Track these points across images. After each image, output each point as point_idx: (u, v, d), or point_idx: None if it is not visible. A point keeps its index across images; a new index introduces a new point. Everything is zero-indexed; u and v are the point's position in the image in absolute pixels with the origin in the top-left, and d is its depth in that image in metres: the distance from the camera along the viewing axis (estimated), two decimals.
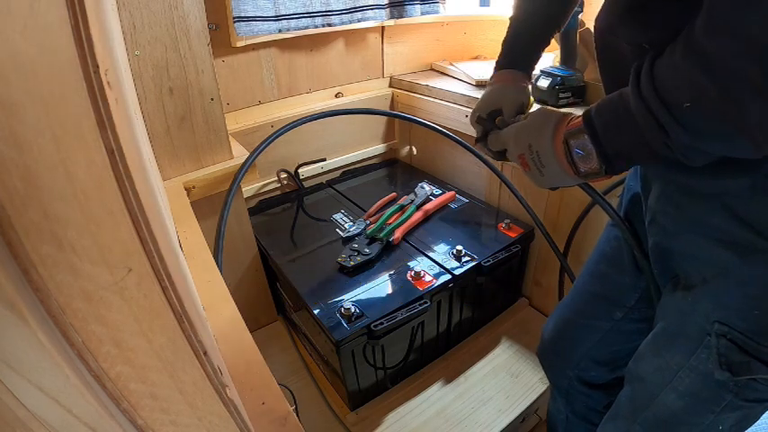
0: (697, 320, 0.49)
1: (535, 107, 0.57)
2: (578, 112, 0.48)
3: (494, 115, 0.65)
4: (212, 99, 0.87)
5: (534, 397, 0.98)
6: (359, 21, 1.21)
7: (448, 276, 0.94)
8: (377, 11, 1.22)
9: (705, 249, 0.47)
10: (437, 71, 1.45)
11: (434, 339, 1.04)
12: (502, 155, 0.61)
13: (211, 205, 0.92)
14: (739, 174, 0.41)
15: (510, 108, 0.64)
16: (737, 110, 0.33)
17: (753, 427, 0.51)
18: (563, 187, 0.53)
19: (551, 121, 0.49)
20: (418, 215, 1.12)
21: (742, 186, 0.42)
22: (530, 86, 0.67)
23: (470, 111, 1.13)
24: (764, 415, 0.51)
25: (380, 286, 0.92)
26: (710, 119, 0.35)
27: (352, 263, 0.95)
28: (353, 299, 0.88)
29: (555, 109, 0.51)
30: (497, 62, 0.69)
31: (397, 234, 1.04)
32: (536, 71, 1.04)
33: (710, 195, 0.45)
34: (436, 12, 1.31)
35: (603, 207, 0.65)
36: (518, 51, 0.68)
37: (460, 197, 1.24)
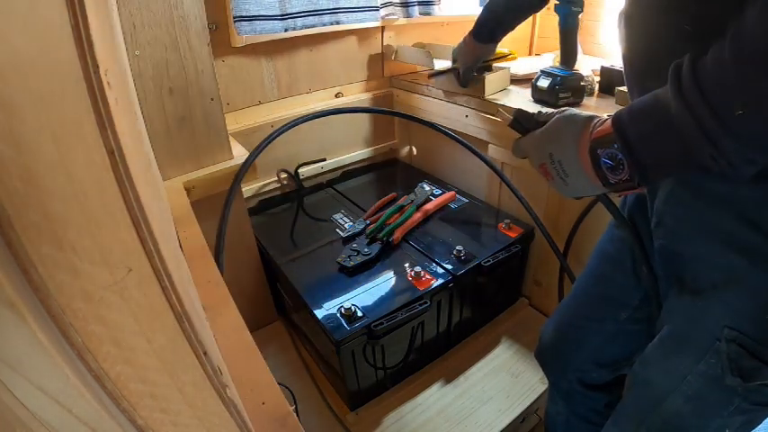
0: (706, 325, 0.48)
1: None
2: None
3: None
4: (212, 99, 0.87)
5: (534, 397, 0.98)
6: (360, 21, 1.21)
7: (448, 276, 0.94)
8: (377, 11, 1.22)
9: (716, 254, 0.46)
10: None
11: (434, 339, 1.04)
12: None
13: (211, 205, 0.92)
14: (758, 184, 0.40)
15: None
16: None
17: (756, 430, 0.51)
18: (589, 196, 0.49)
19: (574, 128, 0.45)
20: (418, 215, 1.12)
21: (757, 196, 0.40)
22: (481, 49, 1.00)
23: (470, 110, 1.13)
24: None
25: (380, 286, 0.92)
26: None
27: (352, 263, 0.95)
28: (353, 299, 0.88)
29: (578, 111, 0.47)
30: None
31: (397, 234, 1.04)
32: (536, 71, 1.04)
33: (722, 199, 0.44)
34: (434, 12, 1.31)
35: (608, 208, 0.62)
36: (485, 28, 0.95)
37: (460, 197, 1.24)
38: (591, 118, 0.45)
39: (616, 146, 0.40)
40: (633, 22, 0.46)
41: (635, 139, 0.39)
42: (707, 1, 0.36)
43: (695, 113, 0.33)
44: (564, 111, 0.49)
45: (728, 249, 0.44)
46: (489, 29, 0.95)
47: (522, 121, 0.54)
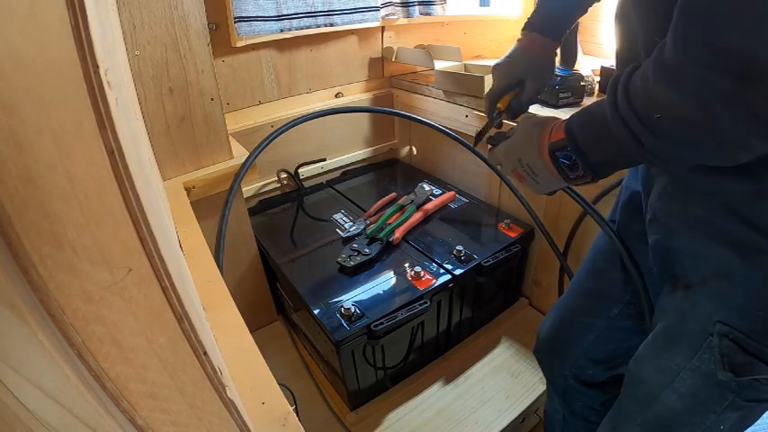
0: (698, 320, 0.48)
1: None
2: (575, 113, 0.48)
3: (508, 90, 0.67)
4: (212, 99, 0.87)
5: (534, 397, 0.98)
6: (360, 21, 1.21)
7: (448, 276, 0.94)
8: (377, 11, 1.22)
9: (707, 248, 0.47)
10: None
11: (434, 339, 1.04)
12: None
13: (211, 205, 0.92)
14: (743, 179, 0.41)
15: (533, 83, 0.65)
16: (710, 122, 0.33)
17: (752, 427, 0.51)
18: (559, 190, 0.55)
19: (535, 135, 0.51)
20: (418, 215, 1.12)
21: (746, 190, 0.41)
22: (557, 53, 0.67)
23: (470, 110, 1.13)
24: (765, 415, 0.51)
25: (380, 286, 0.92)
26: (683, 130, 0.35)
27: (352, 263, 0.95)
28: (353, 299, 0.88)
29: (537, 117, 0.53)
30: (527, 22, 0.65)
31: (397, 234, 1.04)
32: None
33: (711, 193, 0.45)
34: (435, 13, 1.31)
35: (594, 217, 0.66)
36: (552, 14, 0.64)
37: (460, 197, 1.24)
38: (547, 123, 0.50)
39: (569, 149, 0.46)
40: (623, 20, 0.48)
41: (583, 143, 0.45)
42: (664, 12, 0.38)
43: (624, 117, 0.39)
44: (527, 117, 0.54)
45: (719, 244, 0.45)
46: (558, 18, 0.65)
47: (495, 137, 0.61)
